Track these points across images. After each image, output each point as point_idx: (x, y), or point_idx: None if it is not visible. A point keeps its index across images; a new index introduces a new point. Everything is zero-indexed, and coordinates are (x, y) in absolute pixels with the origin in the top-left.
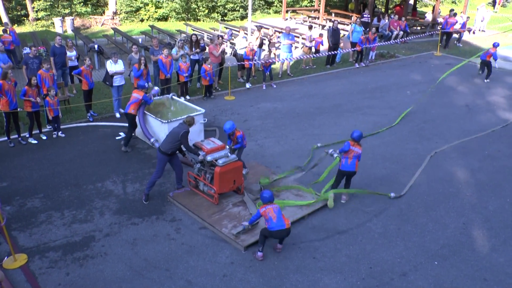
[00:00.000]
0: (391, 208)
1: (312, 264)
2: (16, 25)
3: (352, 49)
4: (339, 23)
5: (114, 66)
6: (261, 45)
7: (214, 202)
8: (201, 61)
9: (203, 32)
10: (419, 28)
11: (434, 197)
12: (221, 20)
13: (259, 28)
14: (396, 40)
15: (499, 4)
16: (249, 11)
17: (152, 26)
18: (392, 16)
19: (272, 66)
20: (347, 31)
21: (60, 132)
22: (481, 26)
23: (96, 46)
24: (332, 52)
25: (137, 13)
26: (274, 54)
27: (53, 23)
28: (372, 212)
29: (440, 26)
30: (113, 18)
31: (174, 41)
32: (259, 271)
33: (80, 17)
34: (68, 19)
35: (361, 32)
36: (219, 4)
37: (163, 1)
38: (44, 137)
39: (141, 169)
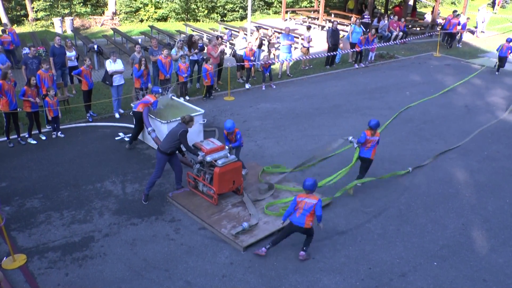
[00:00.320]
0: (390, 209)
1: (312, 264)
2: (15, 25)
3: (352, 50)
4: (338, 23)
5: (113, 65)
6: (260, 45)
7: (213, 203)
8: (200, 61)
9: (202, 33)
10: (418, 29)
11: (433, 197)
12: (221, 20)
13: (258, 28)
14: (395, 41)
15: (498, 5)
16: (249, 11)
17: (151, 27)
18: (391, 17)
19: (272, 66)
20: (347, 31)
21: (60, 132)
22: (481, 27)
23: (95, 47)
24: (332, 53)
25: (136, 13)
26: (274, 54)
27: (52, 23)
28: (372, 213)
29: (440, 26)
30: (113, 19)
31: (174, 42)
32: (258, 272)
33: (80, 18)
34: (67, 19)
35: (360, 32)
36: (218, 4)
37: (162, 2)
38: (44, 138)
39: (141, 169)
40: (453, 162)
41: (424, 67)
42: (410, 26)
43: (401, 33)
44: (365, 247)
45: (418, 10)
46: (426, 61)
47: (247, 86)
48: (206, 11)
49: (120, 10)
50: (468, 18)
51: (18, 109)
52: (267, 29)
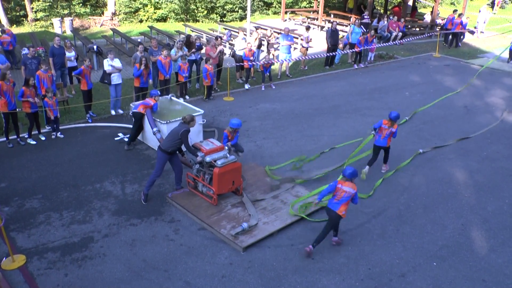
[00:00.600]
0: (389, 209)
1: (311, 265)
2: (14, 25)
3: (351, 50)
4: (338, 24)
5: (111, 62)
6: (259, 46)
7: (213, 203)
8: (198, 60)
9: (202, 33)
10: (418, 29)
11: (432, 198)
12: (220, 21)
13: (257, 28)
14: (395, 42)
15: (497, 5)
16: (248, 12)
17: (151, 27)
18: (391, 18)
19: (271, 67)
20: (346, 32)
21: (59, 133)
22: (481, 28)
23: (95, 47)
24: (331, 53)
25: (136, 14)
26: (273, 55)
27: (52, 24)
28: (371, 213)
29: (439, 27)
30: (112, 19)
31: (173, 42)
32: (258, 272)
33: (79, 18)
34: (67, 20)
35: (359, 33)
36: (218, 5)
37: (162, 2)
38: (43, 138)
39: (140, 170)
40: (453, 163)
41: (424, 68)
42: (409, 26)
43: (400, 34)
44: (364, 248)
45: (418, 10)
46: (425, 62)
47: (246, 86)
48: (205, 12)
49: (120, 11)
50: (467, 18)
51: (17, 109)
52: (266, 30)
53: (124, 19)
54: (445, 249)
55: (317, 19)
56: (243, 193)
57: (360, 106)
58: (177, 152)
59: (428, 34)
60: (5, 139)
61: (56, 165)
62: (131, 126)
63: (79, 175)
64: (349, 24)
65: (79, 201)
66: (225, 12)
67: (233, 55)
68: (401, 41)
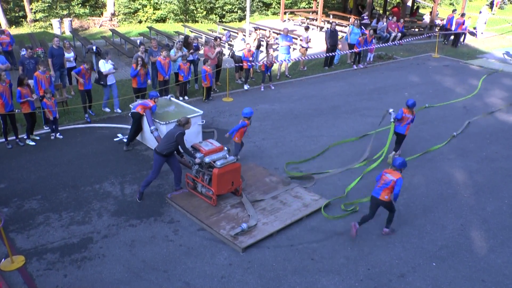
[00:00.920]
0: None
1: (310, 265)
2: (14, 26)
3: (350, 50)
4: (337, 24)
5: (106, 65)
6: (259, 46)
7: (212, 204)
8: (196, 61)
9: (201, 34)
10: (417, 29)
11: (432, 198)
12: (219, 21)
13: (256, 29)
14: (394, 42)
15: (496, 6)
16: (247, 12)
17: (150, 28)
18: (390, 18)
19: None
20: (345, 32)
21: (58, 133)
22: (481, 29)
23: (94, 48)
24: (330, 54)
25: (135, 14)
26: (272, 55)
27: (51, 25)
28: None
29: (438, 27)
30: (111, 20)
31: (173, 43)
32: (257, 273)
33: (78, 19)
34: (66, 21)
35: (358, 33)
36: (217, 5)
37: (161, 3)
38: (37, 138)
39: (140, 170)
40: (452, 163)
41: (423, 68)
42: (408, 27)
43: (399, 34)
44: (364, 248)
45: (419, 11)
46: (424, 62)
47: (245, 87)
48: (204, 12)
49: (119, 11)
50: (469, 18)
51: (16, 111)
52: (266, 30)
53: (123, 19)
54: (445, 249)
55: (316, 20)
56: (243, 194)
57: (359, 107)
58: (176, 153)
59: (427, 35)
60: (4, 140)
61: (55, 165)
62: (130, 126)
63: (78, 176)
64: (348, 25)
65: (78, 202)
66: (224, 12)
67: (232, 55)
68: (400, 41)
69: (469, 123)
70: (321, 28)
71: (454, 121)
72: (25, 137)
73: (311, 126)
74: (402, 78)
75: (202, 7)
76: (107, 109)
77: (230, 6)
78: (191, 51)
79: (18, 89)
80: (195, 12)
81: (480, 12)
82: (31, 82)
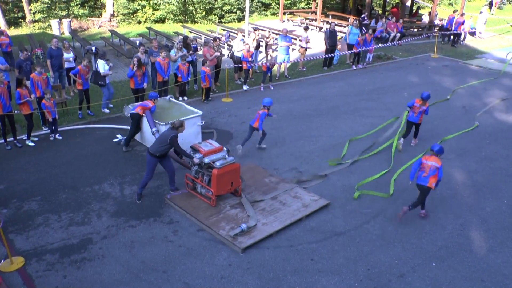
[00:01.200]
0: (388, 210)
1: (310, 266)
2: (13, 27)
3: (349, 51)
4: (336, 25)
5: (106, 66)
6: (258, 47)
7: (211, 204)
8: (194, 62)
9: (200, 34)
10: (416, 30)
11: (431, 198)
12: (219, 22)
13: (255, 30)
14: (393, 42)
15: (495, 6)
16: (246, 13)
17: (149, 28)
18: (389, 18)
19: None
20: (344, 33)
21: (58, 134)
22: (481, 29)
23: (93, 49)
24: (329, 55)
25: (134, 15)
26: (271, 56)
27: (50, 25)
28: (370, 214)
29: (437, 28)
30: (111, 20)
31: (172, 43)
32: (257, 273)
33: (78, 19)
34: (65, 21)
35: (357, 34)
36: (216, 6)
37: (160, 3)
38: (36, 139)
39: (139, 171)
40: (451, 163)
41: (422, 68)
42: (407, 27)
43: (398, 34)
44: (363, 248)
45: (419, 11)
46: (424, 62)
47: (245, 87)
48: (203, 13)
49: (118, 12)
50: (470, 17)
51: (15, 112)
52: (265, 31)
53: (123, 20)
54: (444, 249)
55: (315, 20)
56: (242, 194)
57: (358, 107)
58: (176, 154)
59: (426, 35)
60: (3, 141)
61: (55, 167)
62: (129, 127)
63: (78, 177)
64: (347, 25)
65: (77, 203)
66: (223, 13)
67: (232, 56)
68: (399, 42)
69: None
70: (320, 28)
71: (454, 121)
72: (25, 138)
73: (310, 126)
74: (401, 78)
75: (201, 8)
76: (106, 110)
77: (229, 7)
78: (190, 52)
79: (18, 90)
80: (194, 12)
81: (481, 12)
82: (28, 82)
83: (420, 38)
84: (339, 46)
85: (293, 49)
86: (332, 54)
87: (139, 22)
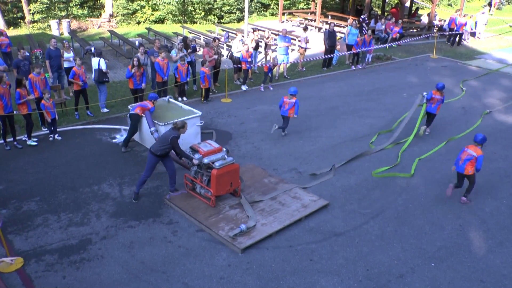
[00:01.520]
0: (388, 210)
1: (309, 266)
2: (12, 27)
3: (349, 52)
4: (335, 25)
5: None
6: (257, 47)
7: (211, 205)
8: (193, 62)
9: (199, 35)
10: (415, 30)
11: (430, 199)
12: (218, 22)
13: (254, 30)
14: (392, 43)
15: (494, 6)
16: (246, 13)
17: (148, 29)
18: (389, 18)
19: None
20: (344, 33)
21: (57, 135)
22: (481, 29)
23: (92, 49)
24: (329, 55)
25: (133, 15)
26: (270, 56)
27: (49, 26)
28: (369, 214)
29: (437, 28)
30: (110, 21)
31: (171, 44)
32: (256, 274)
33: (77, 20)
34: (64, 22)
35: (357, 34)
36: (215, 6)
37: (159, 4)
38: (35, 139)
39: (138, 172)
40: (450, 164)
41: (421, 69)
42: (407, 28)
43: (398, 35)
44: (362, 249)
45: (418, 12)
46: (423, 63)
47: (243, 88)
48: (203, 13)
49: (117, 12)
50: (471, 17)
51: (14, 112)
52: (264, 31)
53: (122, 20)
54: (443, 250)
55: (314, 21)
56: (241, 195)
57: (358, 107)
58: (176, 155)
59: (426, 36)
60: (2, 141)
61: (54, 167)
62: (128, 128)
63: (77, 177)
64: (346, 26)
65: (77, 203)
66: (222, 13)
67: (231, 56)
68: (399, 42)
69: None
70: (320, 29)
71: (452, 122)
72: (25, 138)
73: (310, 127)
74: (400, 79)
75: (200, 8)
76: (106, 109)
77: (228, 7)
78: (189, 51)
79: (17, 91)
80: (194, 13)
81: (483, 13)
82: (26, 83)
83: (419, 38)
84: (338, 47)
85: (293, 50)
86: (332, 55)
87: (139, 23)
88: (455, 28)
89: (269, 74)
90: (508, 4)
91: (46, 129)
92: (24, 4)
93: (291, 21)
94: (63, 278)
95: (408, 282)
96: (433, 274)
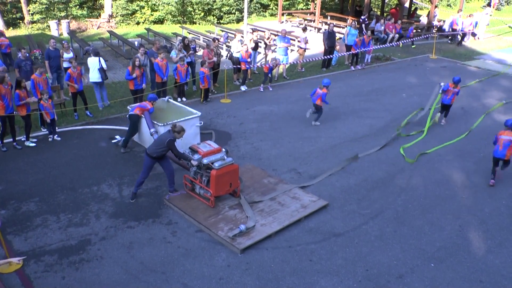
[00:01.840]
0: (387, 211)
1: (309, 266)
2: (11, 28)
3: (348, 52)
4: (334, 26)
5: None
6: (256, 47)
7: (210, 205)
8: (193, 63)
9: (199, 35)
10: (414, 31)
11: (430, 199)
12: (217, 23)
13: (253, 31)
14: (391, 43)
15: (493, 7)
16: (245, 14)
17: (148, 29)
18: (388, 18)
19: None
20: (343, 34)
21: (56, 135)
22: (482, 30)
23: (90, 49)
24: (328, 56)
25: (133, 16)
26: (274, 58)
27: (48, 26)
28: (369, 215)
29: (436, 28)
30: (109, 21)
31: (170, 44)
32: (256, 274)
33: (76, 20)
34: (64, 22)
35: (356, 35)
36: (215, 7)
37: (159, 4)
38: (34, 140)
39: (137, 172)
40: (450, 164)
41: (421, 69)
42: (406, 28)
43: (397, 35)
44: (362, 249)
45: (417, 12)
46: (422, 63)
47: (243, 88)
48: (202, 14)
49: (117, 13)
50: (471, 16)
51: (14, 113)
52: (264, 32)
53: (121, 21)
54: (443, 250)
55: (314, 21)
56: (241, 195)
57: (357, 108)
58: (175, 156)
59: (425, 36)
60: (0, 143)
61: (53, 167)
62: (127, 128)
63: (76, 178)
64: (346, 26)
65: (76, 204)
66: (222, 14)
67: (230, 57)
68: (398, 42)
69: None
70: (319, 29)
71: (453, 123)
72: (23, 139)
73: (309, 127)
74: (400, 79)
75: (199, 9)
76: (102, 106)
77: (228, 8)
78: (191, 52)
79: (17, 92)
80: (193, 13)
81: (487, 14)
82: (28, 83)
83: (418, 39)
84: (337, 47)
85: (292, 50)
86: (331, 55)
87: (138, 23)
88: (460, 29)
89: (269, 75)
90: (508, 4)
91: (45, 129)
92: (23, 5)
93: (291, 21)
94: (62, 278)
95: (407, 283)
96: (433, 275)
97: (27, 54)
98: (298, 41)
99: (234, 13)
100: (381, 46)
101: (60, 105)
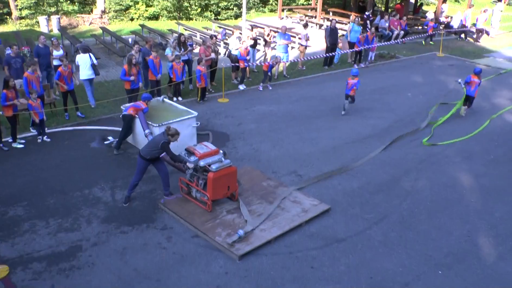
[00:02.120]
0: (392, 215)
1: (310, 274)
2: None
3: (351, 50)
4: (337, 22)
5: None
6: (255, 45)
7: (207, 209)
8: (191, 60)
9: (195, 32)
10: (420, 27)
11: (437, 203)
12: (214, 19)
13: (252, 28)
14: (396, 40)
15: (504, 2)
16: (244, 9)
17: (142, 26)
18: (393, 14)
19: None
20: (346, 30)
21: (46, 136)
22: (496, 26)
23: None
24: (330, 54)
25: (126, 11)
26: (275, 56)
27: (38, 22)
28: (372, 219)
29: (443, 25)
30: (102, 17)
31: (166, 41)
32: (254, 282)
33: (67, 16)
34: (54, 18)
35: (359, 31)
36: (212, 2)
37: (154, 0)
38: (23, 141)
39: (131, 175)
40: (457, 166)
41: (427, 68)
42: (411, 25)
43: (402, 32)
44: (365, 255)
45: (422, 7)
46: (428, 61)
47: (241, 87)
48: (199, 9)
49: (109, 8)
50: (485, 11)
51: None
52: (263, 28)
53: (114, 17)
54: (451, 256)
55: (315, 17)
56: (239, 199)
57: (360, 108)
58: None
59: (432, 33)
60: None
61: (42, 170)
62: (120, 129)
63: (67, 181)
64: (349, 22)
65: (66, 208)
66: (219, 10)
67: (229, 55)
68: (403, 40)
69: None
70: (321, 25)
71: (461, 122)
72: (10, 140)
73: (310, 128)
74: (404, 78)
75: (196, 4)
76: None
77: (225, 3)
78: (189, 49)
79: (4, 92)
80: (189, 9)
81: (501, 10)
82: (18, 81)
83: (425, 36)
84: (340, 45)
85: (292, 48)
86: (333, 53)
87: (132, 19)
88: (471, 24)
89: (269, 73)
90: None
91: (34, 130)
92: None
93: (291, 17)
94: (51, 286)
95: None
96: (440, 282)
97: (18, 50)
98: (299, 38)
99: (232, 9)
100: (385, 43)
101: (50, 104)
